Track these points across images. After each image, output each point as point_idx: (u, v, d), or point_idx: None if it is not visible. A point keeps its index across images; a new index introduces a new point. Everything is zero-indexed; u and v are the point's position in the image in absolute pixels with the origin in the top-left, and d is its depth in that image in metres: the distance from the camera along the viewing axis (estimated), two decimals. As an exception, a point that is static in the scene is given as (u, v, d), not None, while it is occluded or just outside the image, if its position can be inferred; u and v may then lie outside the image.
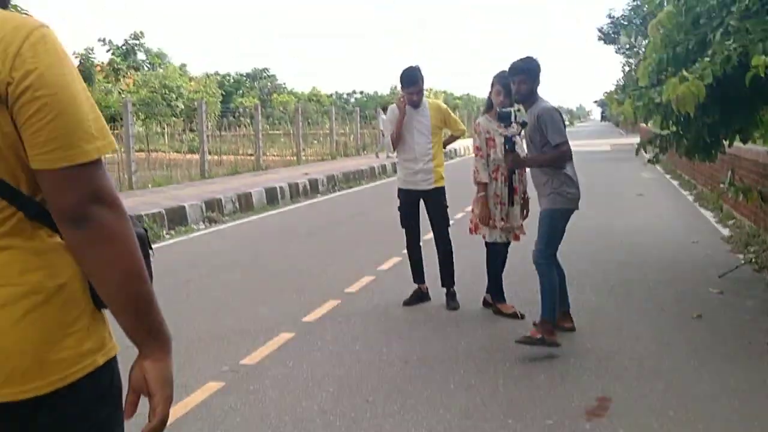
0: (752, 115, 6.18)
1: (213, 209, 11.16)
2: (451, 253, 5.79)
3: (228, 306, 5.87)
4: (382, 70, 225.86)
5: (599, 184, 15.06)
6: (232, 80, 53.37)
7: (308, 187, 14.72)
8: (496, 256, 5.43)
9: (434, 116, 5.71)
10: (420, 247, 5.92)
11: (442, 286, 5.79)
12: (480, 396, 3.88)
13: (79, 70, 1.28)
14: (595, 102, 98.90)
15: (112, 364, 1.35)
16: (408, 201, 5.80)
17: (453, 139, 6.39)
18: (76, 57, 32.52)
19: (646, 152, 7.25)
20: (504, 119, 4.76)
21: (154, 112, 30.08)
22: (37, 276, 1.23)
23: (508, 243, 5.43)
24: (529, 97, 4.69)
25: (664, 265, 7.03)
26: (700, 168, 12.77)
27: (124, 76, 35.67)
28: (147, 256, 1.35)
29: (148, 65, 39.17)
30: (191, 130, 21.08)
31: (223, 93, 41.18)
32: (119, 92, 32.03)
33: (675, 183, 15.38)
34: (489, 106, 5.42)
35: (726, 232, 8.78)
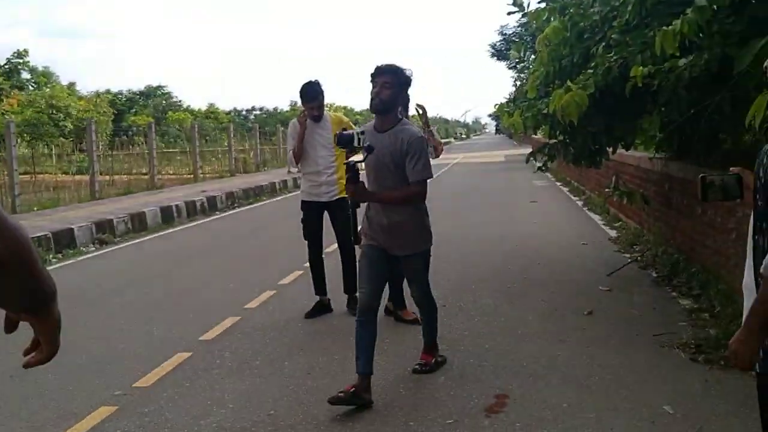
0: (633, 124, 6.54)
1: (104, 230, 10.68)
2: (354, 260, 5.80)
3: (120, 329, 5.61)
4: (281, 87, 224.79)
5: (495, 194, 15.55)
6: (124, 98, 51.67)
7: (206, 204, 14.35)
8: (395, 264, 5.45)
9: (336, 129, 5.72)
10: (322, 259, 5.91)
11: (345, 292, 5.82)
12: (383, 401, 3.88)
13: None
14: (490, 115, 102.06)
15: None
16: (311, 213, 5.82)
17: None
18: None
19: (536, 161, 7.53)
20: (345, 143, 3.85)
21: (40, 133, 28.67)
22: None
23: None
24: (390, 108, 3.94)
25: (557, 267, 7.30)
26: (587, 175, 13.40)
27: (7, 96, 33.84)
28: None
29: (34, 84, 37.37)
30: (81, 151, 20.24)
31: (115, 111, 39.83)
32: (2, 113, 30.33)
33: (565, 190, 16.05)
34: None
35: (613, 233, 9.23)
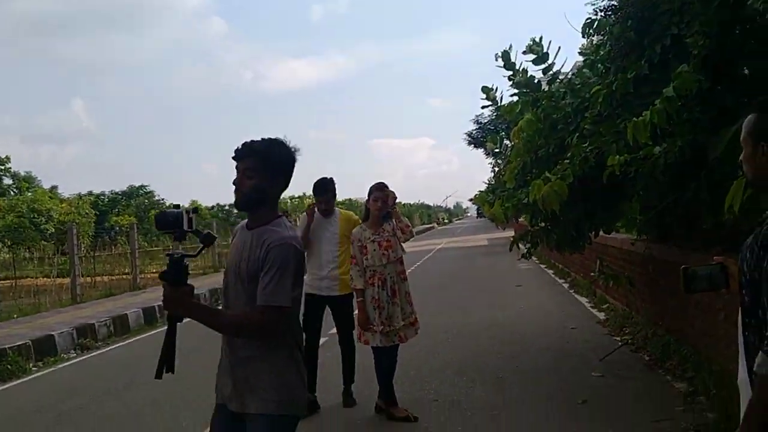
0: (613, 210, 6.64)
1: (85, 335, 10.45)
2: (354, 353, 5.86)
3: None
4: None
5: (480, 279, 15.56)
6: (107, 199, 51.88)
7: (190, 303, 14.15)
8: (382, 360, 5.38)
9: (343, 226, 5.87)
10: (317, 354, 5.84)
11: (344, 383, 5.86)
12: None
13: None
14: (470, 200, 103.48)
15: None
16: (312, 306, 5.86)
17: None
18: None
19: (519, 248, 7.58)
20: (163, 224, 2.61)
21: (22, 238, 28.54)
22: None
23: (396, 346, 5.40)
24: (258, 202, 2.70)
25: (547, 353, 7.22)
26: (571, 257, 13.47)
27: (-12, 203, 33.88)
28: None
29: (15, 190, 37.51)
30: (63, 254, 20.07)
31: (97, 213, 39.87)
32: (-17, 220, 30.27)
33: (550, 272, 16.10)
34: (366, 215, 5.54)
35: (602, 315, 9.21)
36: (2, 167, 36.52)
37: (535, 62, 6.36)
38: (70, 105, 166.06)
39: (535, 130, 6.15)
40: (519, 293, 12.54)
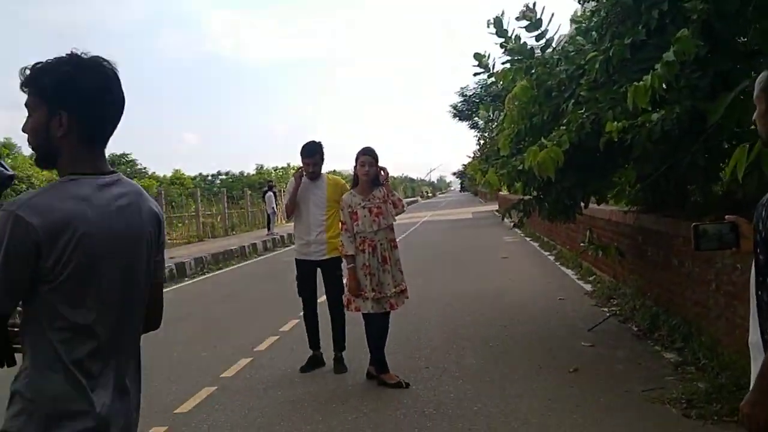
0: (606, 178, 6.62)
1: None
2: (343, 318, 5.83)
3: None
4: (247, 151, 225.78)
5: (466, 250, 15.56)
6: (88, 167, 51.18)
7: (175, 271, 14.06)
8: (373, 327, 5.34)
9: (331, 190, 5.85)
10: (317, 315, 5.94)
11: (334, 350, 5.85)
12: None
13: None
14: (454, 174, 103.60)
15: None
16: (303, 271, 5.91)
17: None
18: None
19: (510, 218, 7.56)
20: None
21: (0, 204, 28.18)
22: None
23: (387, 313, 5.36)
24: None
25: (536, 323, 7.22)
26: (557, 230, 13.50)
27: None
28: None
29: (-6, 155, 36.91)
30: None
31: (79, 180, 39.31)
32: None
33: (535, 245, 16.13)
34: (355, 181, 5.46)
35: (589, 287, 9.23)
36: (-19, 133, 35.91)
37: (528, 29, 6.27)
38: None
39: (530, 97, 6.09)
40: (505, 265, 12.55)
